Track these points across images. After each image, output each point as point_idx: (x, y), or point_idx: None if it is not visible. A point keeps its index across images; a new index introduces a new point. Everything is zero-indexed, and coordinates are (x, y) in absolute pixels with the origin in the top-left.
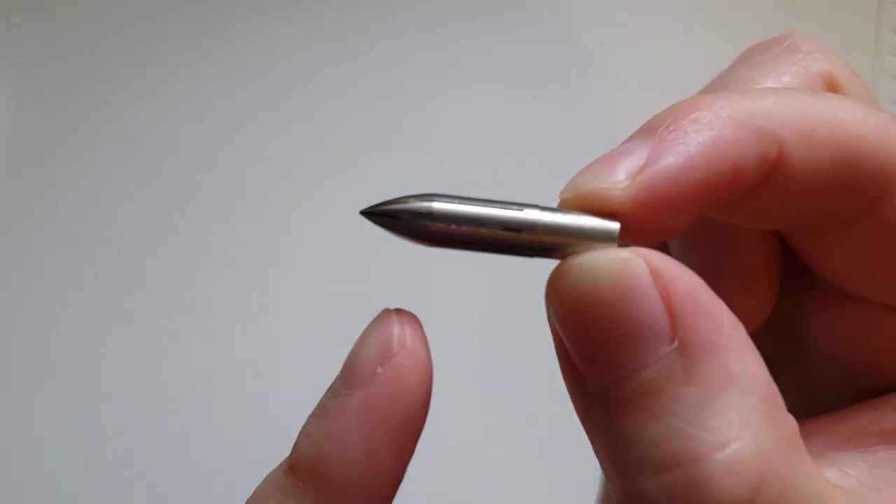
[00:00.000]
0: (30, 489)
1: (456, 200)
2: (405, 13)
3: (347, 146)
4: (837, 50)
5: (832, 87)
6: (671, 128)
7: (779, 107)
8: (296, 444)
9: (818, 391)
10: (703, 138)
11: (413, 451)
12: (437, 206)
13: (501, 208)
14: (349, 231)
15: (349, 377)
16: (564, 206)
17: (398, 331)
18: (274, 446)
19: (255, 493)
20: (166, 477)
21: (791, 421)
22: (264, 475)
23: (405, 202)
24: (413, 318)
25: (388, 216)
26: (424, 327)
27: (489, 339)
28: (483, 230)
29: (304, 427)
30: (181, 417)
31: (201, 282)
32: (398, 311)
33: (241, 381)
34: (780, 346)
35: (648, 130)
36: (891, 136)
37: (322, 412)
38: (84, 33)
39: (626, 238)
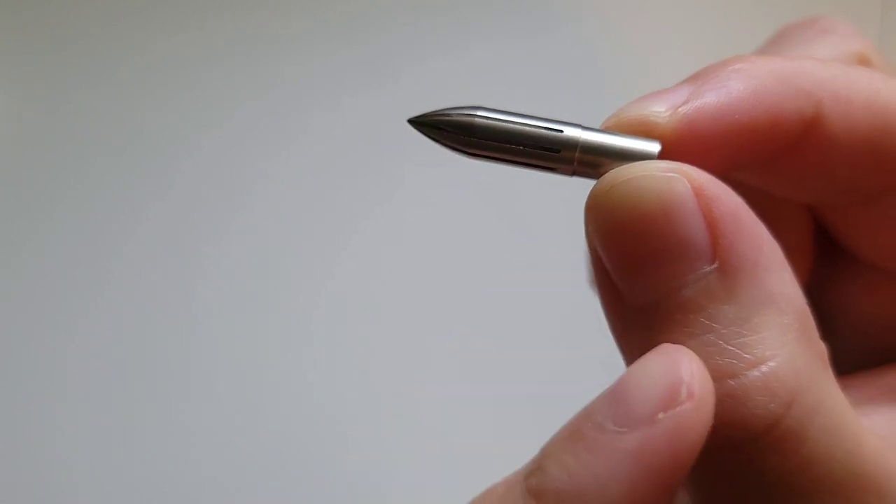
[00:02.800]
0: (30, 489)
1: (499, 115)
2: (416, 18)
3: (348, 147)
4: None
5: (866, 67)
6: (714, 74)
7: (818, 69)
8: (542, 468)
9: (846, 365)
10: (744, 85)
11: None
12: (480, 120)
13: (543, 125)
14: (353, 232)
15: (623, 413)
16: (620, 128)
17: (688, 376)
18: (274, 446)
19: (484, 499)
20: (166, 476)
21: (822, 344)
22: (265, 474)
23: (449, 114)
24: (702, 365)
25: (432, 126)
26: (424, 326)
27: (488, 337)
28: (523, 146)
29: (553, 450)
30: (180, 416)
31: (201, 281)
32: (687, 351)
33: (240, 381)
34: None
35: (693, 77)
36: None
37: (582, 442)
38: (84, 33)
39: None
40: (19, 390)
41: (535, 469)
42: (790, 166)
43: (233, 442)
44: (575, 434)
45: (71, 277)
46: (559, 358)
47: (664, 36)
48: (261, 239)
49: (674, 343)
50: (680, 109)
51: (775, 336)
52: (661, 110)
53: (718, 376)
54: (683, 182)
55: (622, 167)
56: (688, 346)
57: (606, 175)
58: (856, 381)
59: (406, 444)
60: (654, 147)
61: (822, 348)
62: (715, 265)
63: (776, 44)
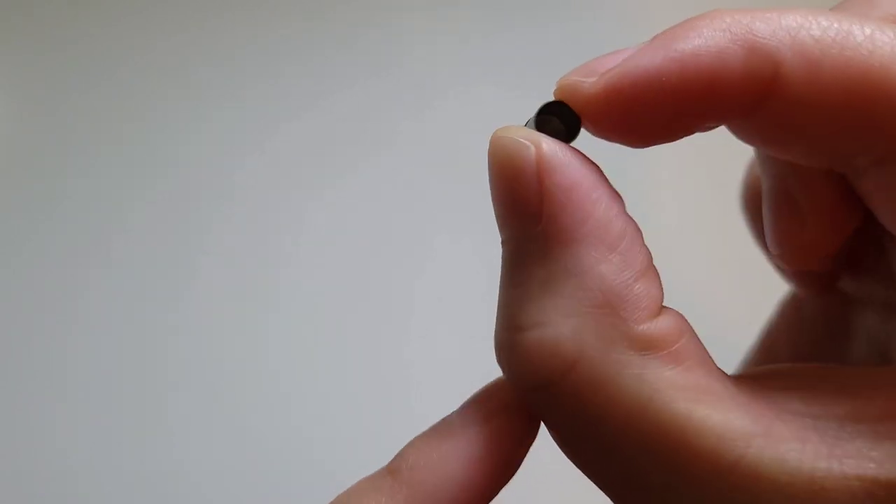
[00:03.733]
0: (29, 489)
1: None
2: (411, 14)
3: (343, 147)
4: None
5: None
6: (669, 34)
7: (789, 27)
8: (401, 453)
9: None
10: (686, 46)
11: None
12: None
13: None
14: (352, 230)
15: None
16: (555, 95)
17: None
18: (272, 445)
19: (353, 486)
20: (165, 476)
21: (639, 330)
22: (263, 475)
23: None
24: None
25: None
26: (424, 325)
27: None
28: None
29: (411, 443)
30: (179, 417)
31: (200, 281)
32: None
33: (240, 381)
34: (866, 282)
35: (656, 36)
36: None
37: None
38: (84, 34)
39: (597, 131)
40: (19, 391)
41: (396, 456)
42: (762, 126)
43: (233, 442)
44: (432, 430)
45: (71, 278)
46: None
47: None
48: (261, 239)
49: (504, 286)
50: (603, 77)
51: (567, 305)
52: (586, 81)
53: (512, 327)
54: (530, 150)
55: (507, 126)
56: (508, 294)
57: (498, 128)
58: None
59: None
60: (532, 117)
61: (635, 333)
62: (539, 227)
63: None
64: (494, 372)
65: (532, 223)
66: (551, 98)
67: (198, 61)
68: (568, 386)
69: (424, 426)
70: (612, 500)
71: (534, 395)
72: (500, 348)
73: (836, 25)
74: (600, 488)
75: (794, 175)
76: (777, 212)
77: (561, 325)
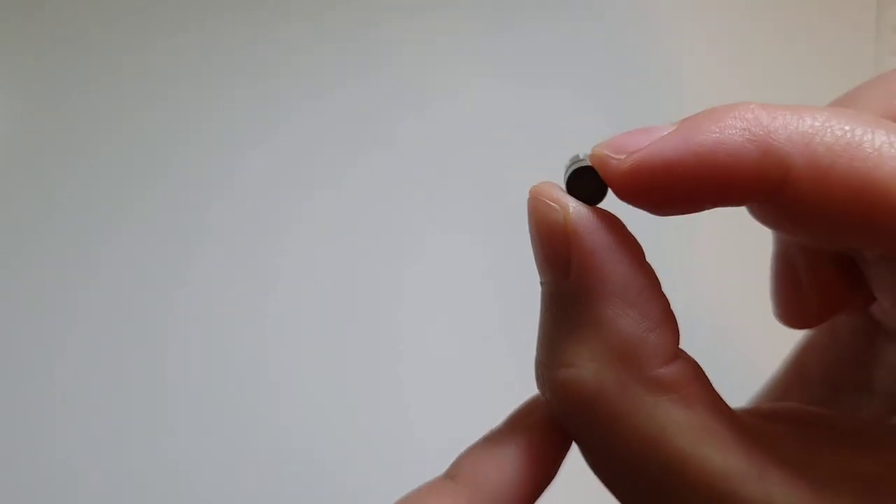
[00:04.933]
0: (29, 488)
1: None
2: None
3: (342, 146)
4: (838, 50)
5: None
6: (692, 123)
7: (805, 132)
8: (456, 462)
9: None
10: (706, 139)
11: None
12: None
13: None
14: (348, 229)
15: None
16: (589, 160)
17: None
18: (271, 445)
19: (414, 490)
20: (163, 474)
21: (661, 377)
22: (263, 474)
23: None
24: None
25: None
26: (423, 322)
27: (486, 333)
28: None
29: (463, 458)
30: (179, 418)
31: (200, 281)
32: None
33: (239, 381)
34: (878, 335)
35: (683, 121)
36: None
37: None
38: (84, 34)
39: (622, 199)
40: (19, 391)
41: (453, 464)
42: (775, 216)
43: (232, 442)
44: (483, 441)
45: (71, 279)
46: None
47: (651, 39)
48: (260, 238)
49: (541, 323)
50: (629, 158)
51: (590, 351)
52: (616, 157)
53: (544, 361)
54: (559, 214)
55: (543, 183)
56: (543, 332)
57: (535, 184)
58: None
59: (407, 446)
60: (562, 185)
61: (648, 377)
62: (567, 281)
63: (875, 86)
64: (487, 368)
65: (563, 276)
66: (576, 157)
67: (197, 61)
68: (591, 417)
69: (420, 422)
70: None
71: (566, 420)
72: (538, 378)
73: (848, 136)
74: (619, 500)
75: (799, 251)
76: (780, 278)
77: (584, 368)
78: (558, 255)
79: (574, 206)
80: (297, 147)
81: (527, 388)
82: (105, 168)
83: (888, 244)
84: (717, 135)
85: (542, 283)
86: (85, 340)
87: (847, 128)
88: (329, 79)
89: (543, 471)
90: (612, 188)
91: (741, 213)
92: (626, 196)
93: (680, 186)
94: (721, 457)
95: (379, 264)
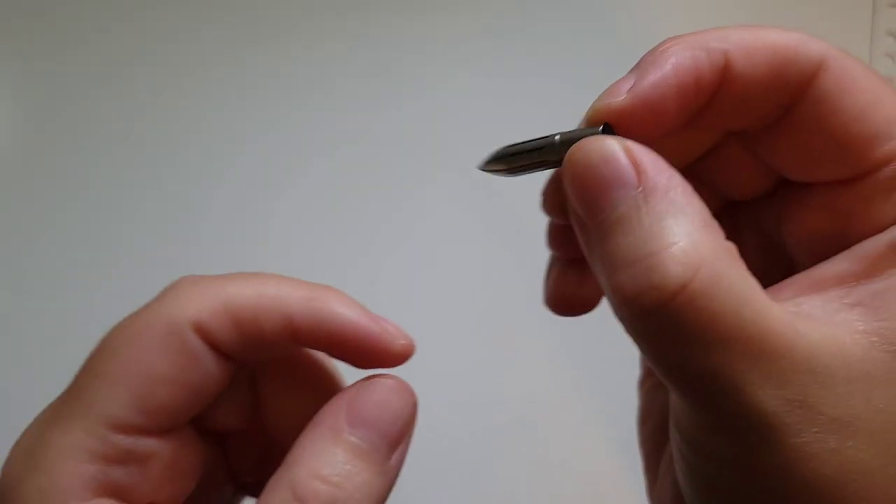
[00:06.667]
0: None
1: (514, 146)
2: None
3: (346, 147)
4: None
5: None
6: (650, 57)
7: (725, 32)
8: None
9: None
10: (671, 59)
11: None
12: (501, 152)
13: (538, 142)
14: (351, 231)
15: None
16: (588, 123)
17: None
18: None
19: None
20: None
21: (727, 243)
22: None
23: (488, 158)
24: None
25: (483, 170)
26: (421, 317)
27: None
28: (535, 162)
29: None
30: None
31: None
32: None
33: None
34: (770, 257)
35: (637, 65)
36: (808, 43)
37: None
38: (84, 34)
39: (628, 135)
40: (20, 391)
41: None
42: (720, 103)
43: None
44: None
45: (71, 279)
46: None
47: (645, 36)
48: (260, 239)
49: (616, 243)
50: (630, 92)
51: (682, 228)
52: (616, 98)
53: (643, 257)
54: (612, 141)
55: (578, 142)
56: (625, 243)
57: (571, 148)
58: (792, 281)
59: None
60: (597, 129)
61: (726, 243)
62: (640, 189)
63: None
64: (475, 361)
65: (632, 188)
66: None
67: (200, 63)
68: (699, 283)
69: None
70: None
71: (669, 304)
72: (639, 273)
73: (755, 28)
74: (679, 385)
75: (724, 165)
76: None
77: (683, 241)
78: (625, 173)
79: (621, 138)
80: (302, 149)
81: (521, 385)
82: (106, 169)
83: (793, 89)
84: (676, 56)
85: (595, 222)
86: (84, 340)
87: (749, 26)
88: (326, 75)
89: None
90: (620, 122)
91: None
92: (634, 122)
93: (671, 96)
94: (782, 310)
95: (378, 262)
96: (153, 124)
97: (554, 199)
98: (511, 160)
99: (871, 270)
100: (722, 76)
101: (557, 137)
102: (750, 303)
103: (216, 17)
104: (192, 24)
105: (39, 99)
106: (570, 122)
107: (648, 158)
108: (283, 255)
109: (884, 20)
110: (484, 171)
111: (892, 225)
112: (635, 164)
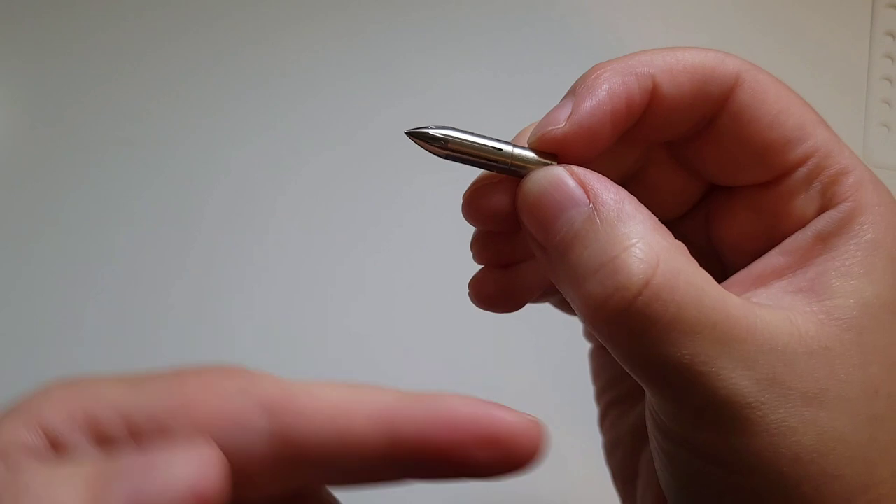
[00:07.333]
0: None
1: (465, 133)
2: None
3: (346, 147)
4: (832, 52)
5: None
6: (584, 85)
7: (650, 56)
8: None
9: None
10: (604, 86)
11: None
12: (452, 134)
13: (492, 142)
14: (352, 233)
15: None
16: (531, 147)
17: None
18: None
19: None
20: None
21: (678, 242)
22: None
23: (431, 128)
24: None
25: (417, 136)
26: (421, 320)
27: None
28: (477, 156)
29: None
30: None
31: (200, 282)
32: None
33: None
34: (704, 266)
35: (571, 91)
36: (726, 60)
37: None
38: (84, 34)
39: (569, 159)
40: (19, 390)
41: None
42: (649, 121)
43: None
44: None
45: (71, 280)
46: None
47: (643, 37)
48: (260, 239)
49: (578, 256)
50: (568, 120)
51: (636, 231)
52: (556, 126)
53: (606, 261)
54: (558, 168)
55: (531, 173)
56: (586, 254)
57: (523, 179)
58: (735, 279)
59: None
60: (553, 160)
61: (677, 242)
62: (590, 205)
63: None
64: (473, 362)
65: (583, 206)
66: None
67: (201, 64)
68: (660, 278)
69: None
70: (654, 389)
71: (637, 302)
72: (604, 277)
73: (677, 52)
74: (656, 381)
75: (658, 179)
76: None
77: (640, 242)
78: (574, 194)
79: (569, 166)
80: (302, 149)
81: (509, 378)
82: (106, 169)
83: (714, 102)
84: (608, 82)
85: (553, 242)
86: (86, 345)
87: (672, 49)
88: (327, 72)
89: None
90: (563, 150)
91: None
92: (574, 146)
93: (606, 120)
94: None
95: (376, 259)
96: (153, 124)
97: (483, 206)
98: (459, 143)
99: (803, 261)
100: (650, 98)
101: (512, 151)
102: (708, 292)
103: (216, 16)
104: (193, 23)
105: (39, 99)
106: None
107: (594, 178)
108: (282, 254)
109: (883, 21)
110: (413, 135)
111: (813, 219)
112: (583, 185)
